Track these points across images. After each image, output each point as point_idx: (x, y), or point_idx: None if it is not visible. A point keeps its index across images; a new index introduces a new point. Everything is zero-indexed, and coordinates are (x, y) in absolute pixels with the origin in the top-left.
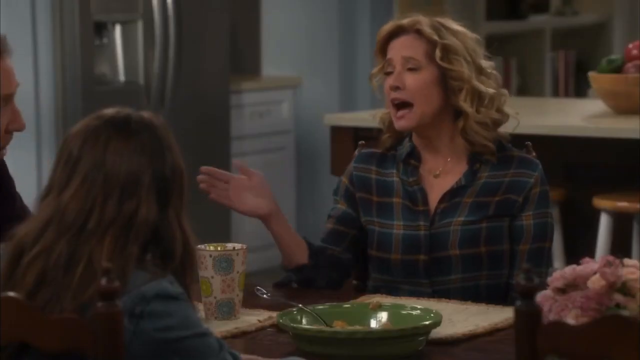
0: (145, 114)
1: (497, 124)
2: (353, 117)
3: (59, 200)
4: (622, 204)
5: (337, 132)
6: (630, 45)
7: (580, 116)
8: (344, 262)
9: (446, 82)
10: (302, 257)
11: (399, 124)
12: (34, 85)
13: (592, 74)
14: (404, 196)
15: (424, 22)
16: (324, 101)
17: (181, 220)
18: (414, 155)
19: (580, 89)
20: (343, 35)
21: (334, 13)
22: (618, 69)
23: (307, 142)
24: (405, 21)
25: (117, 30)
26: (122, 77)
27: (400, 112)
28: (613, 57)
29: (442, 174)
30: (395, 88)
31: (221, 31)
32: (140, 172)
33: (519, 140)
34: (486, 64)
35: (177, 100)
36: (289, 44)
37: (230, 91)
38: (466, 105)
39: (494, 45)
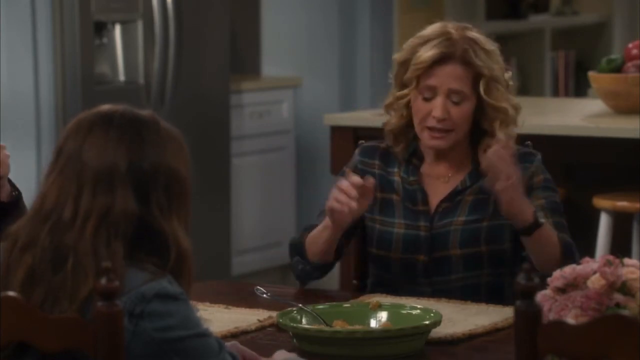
0: (145, 112)
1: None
2: (353, 117)
3: (40, 190)
4: (622, 204)
5: (337, 132)
6: (630, 45)
7: (580, 116)
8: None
9: (484, 109)
10: (332, 254)
11: (435, 143)
12: (34, 85)
13: (592, 74)
14: (404, 196)
15: (468, 45)
16: (324, 101)
17: (171, 221)
18: (416, 154)
19: (580, 89)
20: (343, 35)
21: (334, 13)
22: (618, 69)
23: (307, 142)
24: (451, 47)
25: (117, 30)
26: (122, 77)
27: (439, 133)
28: (613, 56)
29: (451, 179)
30: (442, 120)
31: (221, 31)
32: (116, 163)
33: (519, 140)
34: (508, 76)
35: (177, 100)
36: (289, 44)
37: (230, 91)
38: (500, 133)
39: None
